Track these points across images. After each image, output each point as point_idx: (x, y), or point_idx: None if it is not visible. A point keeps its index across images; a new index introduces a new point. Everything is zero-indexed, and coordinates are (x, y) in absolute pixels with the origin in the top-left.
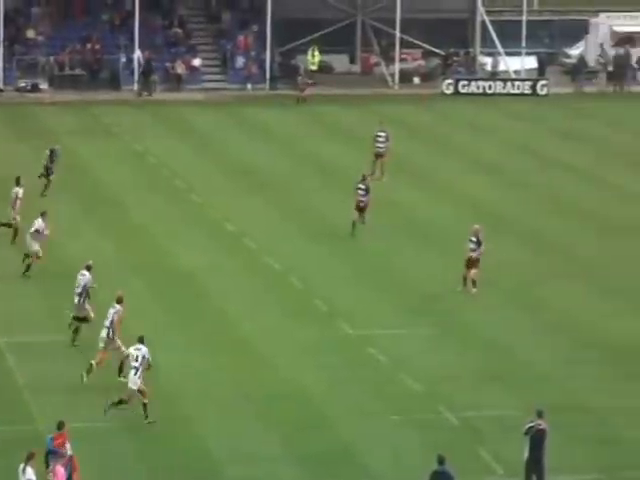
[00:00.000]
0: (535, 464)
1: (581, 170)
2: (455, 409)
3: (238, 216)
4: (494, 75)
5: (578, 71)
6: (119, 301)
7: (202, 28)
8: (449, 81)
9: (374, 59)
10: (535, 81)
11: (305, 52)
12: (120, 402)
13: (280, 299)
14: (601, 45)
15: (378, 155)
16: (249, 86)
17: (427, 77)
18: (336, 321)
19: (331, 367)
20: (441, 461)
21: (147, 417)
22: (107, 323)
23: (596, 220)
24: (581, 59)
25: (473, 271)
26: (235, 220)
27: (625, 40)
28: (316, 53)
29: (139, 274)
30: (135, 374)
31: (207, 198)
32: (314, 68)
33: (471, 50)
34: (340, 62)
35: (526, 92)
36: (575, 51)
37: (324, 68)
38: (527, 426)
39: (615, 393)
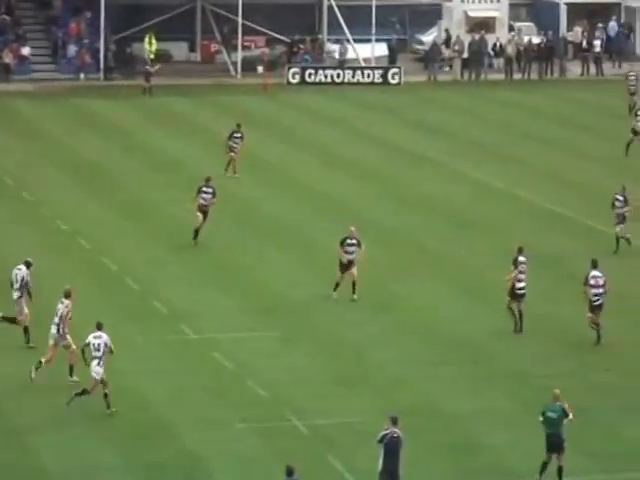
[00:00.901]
0: (390, 474)
1: (434, 162)
2: (304, 416)
3: (72, 214)
4: (342, 63)
5: (431, 59)
6: (67, 295)
7: (31, 15)
8: (295, 70)
9: (215, 47)
10: (386, 69)
11: (142, 40)
12: (83, 392)
13: (117, 301)
14: (446, 31)
15: (233, 153)
16: (82, 76)
17: (271, 65)
18: (177, 324)
19: (173, 373)
20: (290, 472)
21: (109, 407)
22: (56, 319)
23: (448, 214)
24: (434, 46)
25: (351, 272)
26: (69, 218)
27: (480, 26)
28: (153, 41)
29: None
30: (98, 364)
31: (39, 196)
32: (151, 57)
33: (319, 37)
34: (179, 50)
35: (377, 81)
36: (428, 38)
37: (162, 56)
38: (381, 434)
39: (474, 395)
